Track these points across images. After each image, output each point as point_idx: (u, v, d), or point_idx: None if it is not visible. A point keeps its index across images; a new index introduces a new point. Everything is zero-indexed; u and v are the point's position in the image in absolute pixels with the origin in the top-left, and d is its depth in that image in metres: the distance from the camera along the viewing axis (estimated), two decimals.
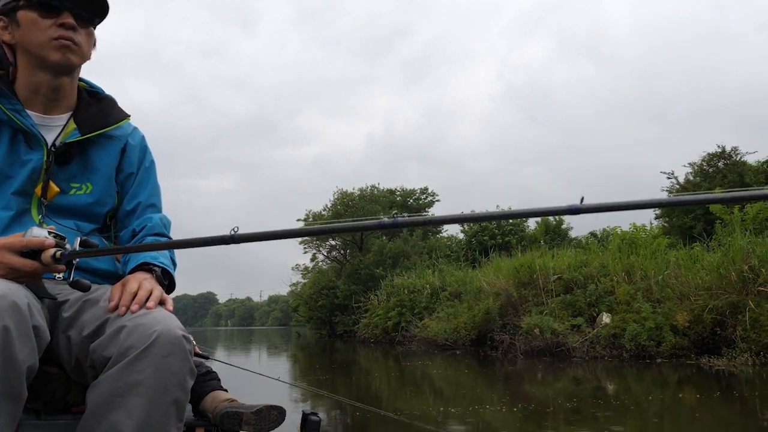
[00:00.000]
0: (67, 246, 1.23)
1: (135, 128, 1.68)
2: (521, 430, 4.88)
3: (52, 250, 1.19)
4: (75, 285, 1.26)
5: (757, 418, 5.19)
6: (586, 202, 0.88)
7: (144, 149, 1.68)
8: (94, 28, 1.54)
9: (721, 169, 17.77)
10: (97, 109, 1.57)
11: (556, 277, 13.14)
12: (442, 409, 5.88)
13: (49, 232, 1.22)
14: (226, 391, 2.16)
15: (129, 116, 1.64)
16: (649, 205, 0.86)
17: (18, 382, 1.09)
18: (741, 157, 17.76)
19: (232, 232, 1.03)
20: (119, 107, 1.65)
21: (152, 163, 1.70)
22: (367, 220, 0.97)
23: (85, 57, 1.49)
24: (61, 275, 1.35)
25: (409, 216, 0.92)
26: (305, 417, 2.02)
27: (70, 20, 1.41)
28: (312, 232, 0.97)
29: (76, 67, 1.48)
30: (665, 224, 18.58)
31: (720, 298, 9.69)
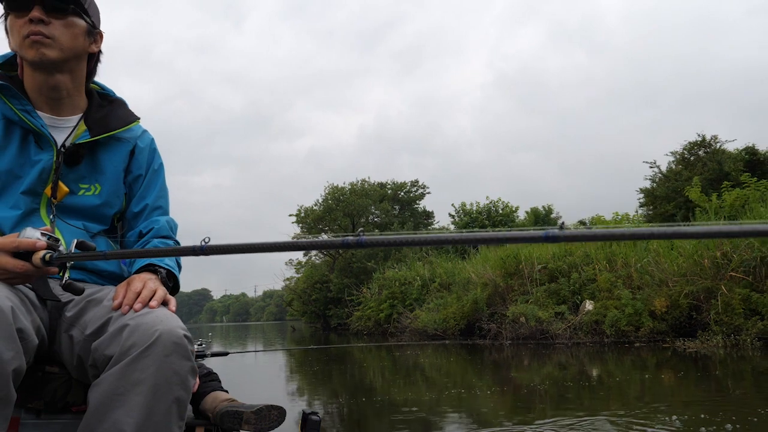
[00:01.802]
0: (61, 248, 1.22)
1: (144, 131, 1.68)
2: (502, 409, 5.25)
3: (42, 252, 1.19)
4: (67, 288, 1.26)
5: (714, 390, 5.61)
6: (568, 223, 0.80)
7: (153, 152, 1.68)
8: (87, 17, 1.48)
9: (702, 158, 18.24)
10: (108, 112, 1.58)
11: (540, 266, 13.57)
12: (430, 395, 6.26)
13: (43, 234, 1.22)
14: (226, 391, 2.22)
15: (139, 119, 1.65)
16: (629, 236, 0.78)
17: (3, 384, 1.08)
18: (721, 146, 18.23)
19: (203, 243, 1.04)
20: (129, 110, 1.66)
21: (161, 165, 1.70)
22: (334, 238, 0.97)
23: (69, 50, 1.44)
24: (67, 276, 1.39)
25: (374, 235, 0.90)
26: (305, 416, 2.04)
27: (36, 14, 1.38)
28: (284, 246, 0.98)
29: (56, 62, 1.43)
30: (649, 212, 19.05)
31: (695, 284, 10.12)
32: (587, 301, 11.98)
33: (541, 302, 12.52)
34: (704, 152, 18.45)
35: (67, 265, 1.26)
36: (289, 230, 35.40)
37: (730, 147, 18.15)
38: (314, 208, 32.08)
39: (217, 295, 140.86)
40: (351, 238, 0.89)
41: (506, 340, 12.30)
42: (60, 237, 1.42)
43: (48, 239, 1.21)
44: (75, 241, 1.24)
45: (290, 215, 32.96)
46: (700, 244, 10.81)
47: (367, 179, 33.42)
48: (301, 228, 32.37)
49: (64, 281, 1.25)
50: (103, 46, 1.59)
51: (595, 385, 6.40)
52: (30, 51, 1.39)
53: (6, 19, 1.44)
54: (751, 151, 17.36)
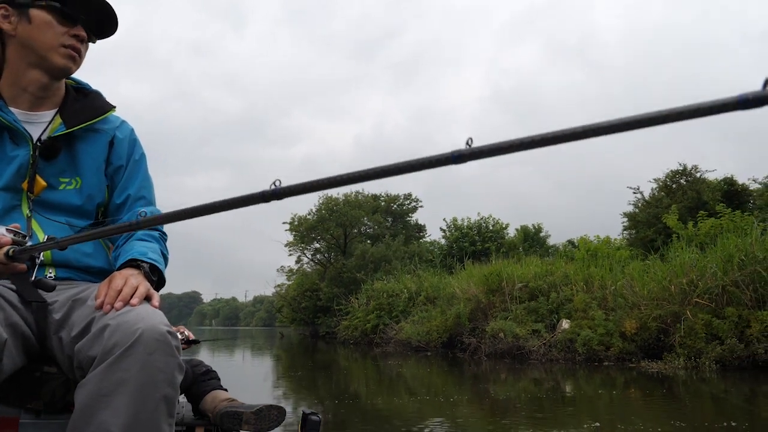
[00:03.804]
0: (28, 244, 1.20)
1: (123, 121, 1.67)
2: (472, 417, 5.79)
3: (6, 248, 1.15)
4: (38, 284, 1.24)
5: (669, 405, 6.18)
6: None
7: (133, 142, 1.66)
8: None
9: (683, 186, 18.93)
10: (83, 104, 1.58)
11: (521, 284, 14.14)
12: (410, 403, 6.78)
13: (9, 230, 1.19)
14: (226, 390, 2.24)
15: (114, 107, 1.64)
16: (539, 142, 0.70)
17: None
18: (701, 175, 18.95)
19: (138, 218, 1.10)
20: (104, 99, 1.65)
21: (142, 155, 1.68)
22: (252, 193, 0.94)
23: (78, 68, 1.55)
24: (53, 274, 1.40)
25: (290, 185, 0.90)
26: (305, 417, 2.04)
27: (83, 33, 1.48)
28: (206, 209, 0.98)
29: (71, 75, 1.54)
30: (631, 236, 19.69)
31: (664, 308, 10.72)
32: (564, 320, 12.55)
33: (520, 319, 13.08)
34: (685, 181, 19.15)
35: (37, 261, 1.25)
36: (281, 237, 35.78)
37: (711, 177, 18.87)
38: (308, 217, 32.57)
39: (207, 298, 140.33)
40: (267, 189, 0.91)
41: (484, 355, 12.84)
42: (40, 232, 1.43)
43: (14, 235, 1.19)
44: (46, 237, 1.23)
45: (284, 222, 33.48)
46: (670, 271, 11.41)
47: (361, 191, 33.95)
48: (294, 236, 32.86)
49: (33, 278, 1.24)
50: (103, 44, 1.78)
51: (550, 398, 6.96)
52: (62, 59, 1.46)
53: (27, 10, 1.43)
54: (729, 182, 18.06)
